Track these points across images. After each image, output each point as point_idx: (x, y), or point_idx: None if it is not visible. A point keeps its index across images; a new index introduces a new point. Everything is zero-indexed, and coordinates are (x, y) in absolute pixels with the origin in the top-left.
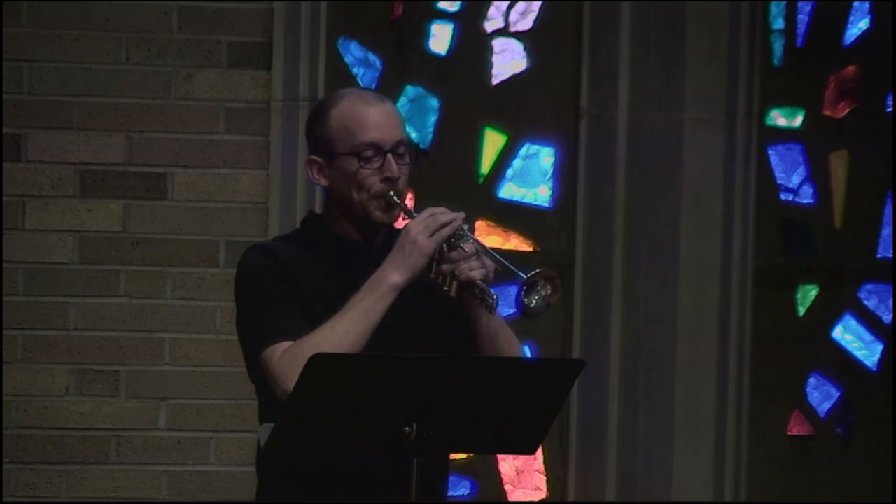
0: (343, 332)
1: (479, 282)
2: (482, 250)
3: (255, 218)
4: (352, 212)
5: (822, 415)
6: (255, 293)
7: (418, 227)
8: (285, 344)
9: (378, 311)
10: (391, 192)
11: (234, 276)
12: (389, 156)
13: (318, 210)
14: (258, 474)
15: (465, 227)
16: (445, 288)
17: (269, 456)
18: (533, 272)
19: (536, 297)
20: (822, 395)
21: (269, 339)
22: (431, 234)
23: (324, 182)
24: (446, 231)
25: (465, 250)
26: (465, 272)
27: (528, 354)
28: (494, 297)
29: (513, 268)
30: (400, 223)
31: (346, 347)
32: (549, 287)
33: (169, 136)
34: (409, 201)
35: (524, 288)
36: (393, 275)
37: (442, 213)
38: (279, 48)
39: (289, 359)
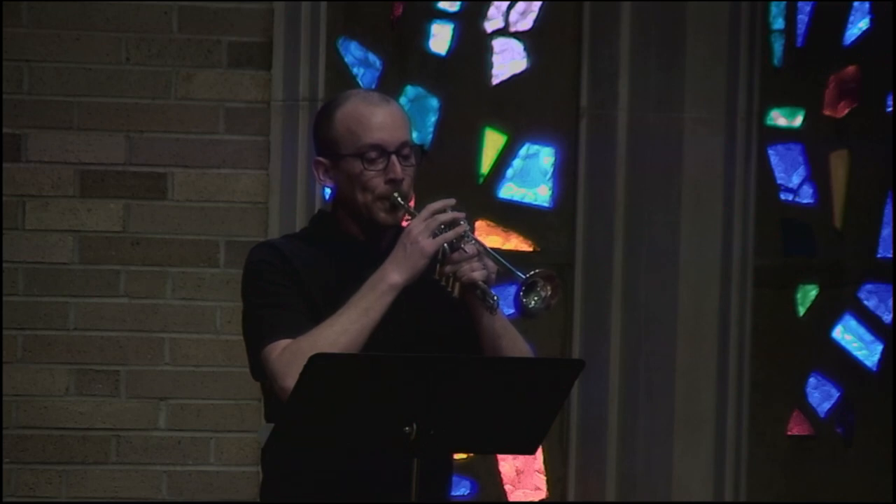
0: (341, 330)
1: (480, 283)
2: (483, 251)
3: (255, 218)
4: (357, 213)
5: (822, 415)
6: (259, 291)
7: (419, 227)
8: (285, 341)
9: (377, 310)
10: (395, 194)
11: (234, 276)
12: (393, 157)
13: (322, 209)
14: (262, 471)
15: (467, 229)
16: (448, 289)
17: (270, 456)
18: (532, 273)
19: (536, 298)
20: (822, 395)
21: (269, 336)
22: (433, 235)
23: (329, 183)
24: (449, 235)
25: (466, 251)
26: (467, 273)
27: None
28: (495, 297)
29: (513, 268)
30: (406, 224)
31: (344, 345)
32: (548, 288)
33: (169, 136)
34: (411, 202)
35: (523, 288)
36: (393, 274)
37: (443, 214)
38: (279, 48)
39: (287, 356)
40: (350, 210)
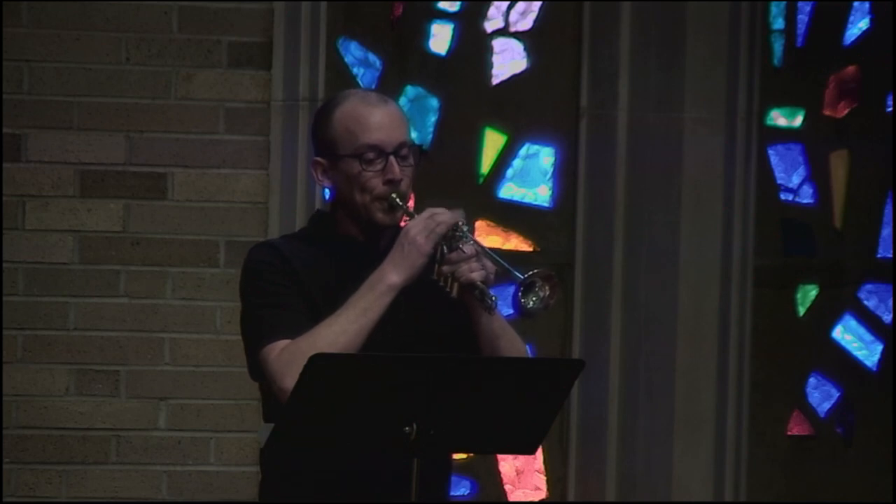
0: (339, 330)
1: (478, 283)
2: (482, 252)
3: (255, 218)
4: (355, 213)
5: (822, 415)
6: (259, 291)
7: (417, 227)
8: (283, 342)
9: (376, 311)
10: (393, 195)
11: (234, 276)
12: (392, 158)
13: (321, 209)
14: (261, 471)
15: (466, 229)
16: (447, 289)
17: (270, 456)
18: (530, 273)
19: (534, 298)
20: (822, 395)
21: (268, 336)
22: (430, 235)
23: (328, 183)
24: (441, 229)
25: (464, 252)
26: (465, 273)
27: (530, 354)
28: (494, 298)
29: (511, 269)
30: (405, 224)
31: (342, 345)
32: (547, 288)
33: (169, 136)
34: (409, 202)
35: (521, 288)
36: (391, 274)
37: (441, 214)
38: (279, 48)
39: (286, 356)
40: (348, 210)
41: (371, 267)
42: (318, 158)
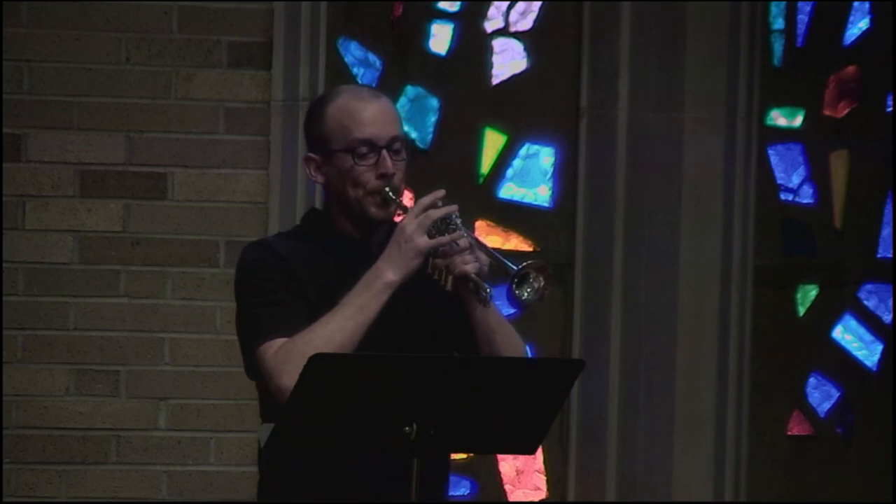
0: (336, 328)
1: (472, 275)
2: (476, 244)
3: (255, 218)
4: (349, 208)
5: (822, 415)
6: (253, 289)
7: (413, 224)
8: (280, 340)
9: (373, 309)
10: (386, 189)
11: (234, 275)
12: (384, 152)
13: (315, 207)
14: (260, 472)
15: (459, 222)
16: (441, 282)
17: (270, 456)
18: (522, 265)
19: (528, 290)
20: (822, 395)
21: (264, 334)
22: (427, 232)
23: (321, 179)
24: (445, 239)
25: (458, 244)
26: (459, 266)
27: (529, 352)
28: (488, 290)
29: (505, 261)
30: (398, 219)
31: (339, 343)
32: (541, 278)
33: (169, 136)
34: (409, 201)
35: (515, 280)
36: (388, 272)
37: (435, 211)
38: (279, 48)
39: (283, 354)
40: (342, 206)
41: (367, 263)
42: (311, 154)
